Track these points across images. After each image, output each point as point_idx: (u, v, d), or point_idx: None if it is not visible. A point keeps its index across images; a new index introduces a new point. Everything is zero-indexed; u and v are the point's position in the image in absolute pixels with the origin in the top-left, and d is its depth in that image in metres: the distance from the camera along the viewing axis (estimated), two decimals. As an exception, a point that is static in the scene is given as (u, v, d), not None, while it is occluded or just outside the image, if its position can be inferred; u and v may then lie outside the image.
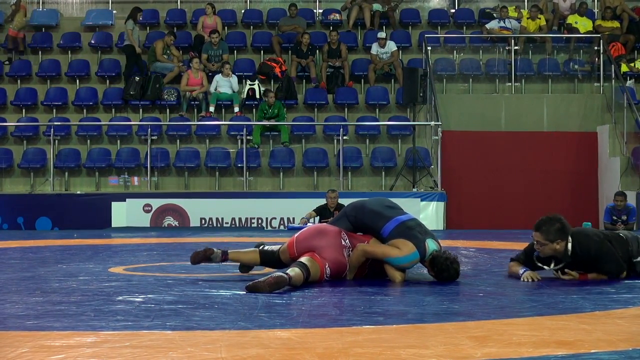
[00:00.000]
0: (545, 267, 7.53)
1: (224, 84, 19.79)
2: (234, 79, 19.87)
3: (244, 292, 6.44)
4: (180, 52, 20.88)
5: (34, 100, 20.25)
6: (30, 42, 21.71)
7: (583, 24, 21.20)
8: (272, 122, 18.90)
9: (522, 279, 7.45)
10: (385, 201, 7.66)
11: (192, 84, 19.80)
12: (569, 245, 7.39)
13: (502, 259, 9.08)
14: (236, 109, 19.63)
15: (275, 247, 7.57)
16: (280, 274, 6.66)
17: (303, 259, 7.00)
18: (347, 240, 7.24)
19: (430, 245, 7.25)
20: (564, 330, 4.89)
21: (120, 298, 6.23)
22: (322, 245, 7.14)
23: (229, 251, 7.50)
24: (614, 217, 15.86)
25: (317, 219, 15.32)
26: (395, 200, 7.83)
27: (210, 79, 19.97)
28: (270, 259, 7.33)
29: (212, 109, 19.58)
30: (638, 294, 6.52)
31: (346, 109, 20.07)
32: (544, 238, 7.34)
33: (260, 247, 7.73)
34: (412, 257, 7.20)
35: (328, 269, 7.06)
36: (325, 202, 15.43)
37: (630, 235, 7.81)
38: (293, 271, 6.76)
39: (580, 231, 7.60)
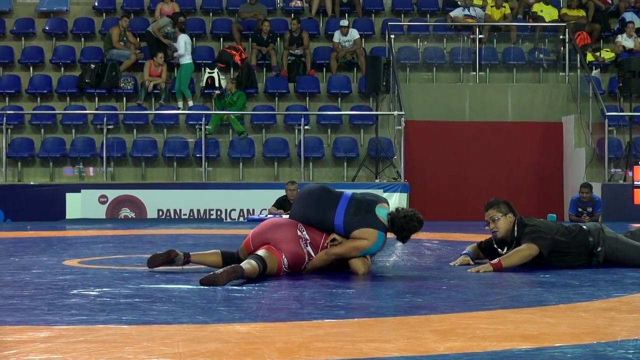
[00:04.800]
0: (499, 249, 7.81)
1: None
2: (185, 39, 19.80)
3: (202, 286, 6.41)
4: (138, 39, 20.79)
5: (-14, 88, 20.09)
6: (-18, 28, 21.54)
7: (548, 13, 21.33)
8: (236, 112, 18.85)
9: (452, 263, 7.98)
10: (313, 193, 7.41)
11: (151, 74, 19.72)
12: (516, 227, 7.74)
13: (465, 252, 9.11)
14: (190, 103, 19.55)
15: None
16: (236, 264, 6.67)
17: (259, 252, 7.00)
18: (305, 232, 7.22)
19: (382, 213, 7.24)
20: (528, 324, 4.91)
21: (74, 292, 6.19)
22: (277, 238, 7.12)
23: (191, 253, 7.48)
24: (580, 209, 15.98)
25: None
26: (360, 191, 7.77)
27: (171, 67, 19.93)
28: (231, 260, 7.31)
29: (190, 103, 19.54)
30: (602, 288, 6.57)
31: (307, 98, 20.08)
32: (497, 211, 7.75)
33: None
34: (380, 238, 7.18)
35: (285, 259, 7.06)
36: (285, 194, 15.43)
37: (592, 226, 7.98)
38: (248, 263, 6.75)
39: (529, 218, 7.88)
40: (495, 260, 7.53)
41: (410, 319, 5.14)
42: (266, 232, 7.22)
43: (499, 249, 7.83)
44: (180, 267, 7.40)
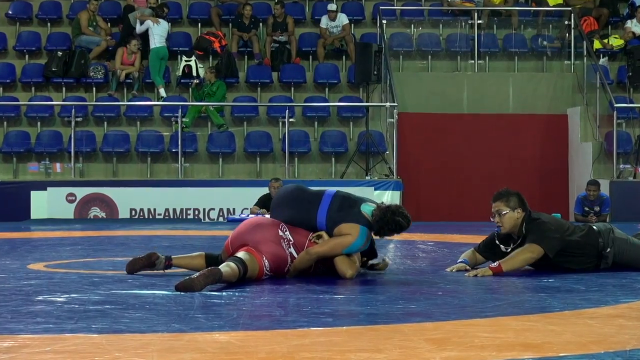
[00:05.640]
0: (502, 246, 7.79)
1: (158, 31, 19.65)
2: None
3: (178, 291, 6.41)
4: (108, 24, 20.75)
5: (-56, 77, 20.04)
6: (-61, 13, 21.47)
7: (553, -4, 21.37)
8: (215, 104, 18.83)
9: (448, 269, 7.88)
10: (291, 194, 7.50)
11: (124, 63, 19.68)
12: (524, 224, 7.69)
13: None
14: (162, 93, 19.45)
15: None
16: (213, 267, 6.67)
17: (239, 254, 7.00)
18: (287, 233, 7.22)
19: (367, 210, 7.26)
20: (531, 332, 4.93)
21: (40, 298, 6.19)
22: (256, 239, 7.13)
23: (173, 257, 7.50)
24: (586, 208, 15.97)
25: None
26: (347, 189, 7.79)
27: (145, 55, 19.90)
28: (216, 263, 7.32)
29: (162, 92, 19.45)
30: (610, 293, 6.59)
31: (292, 89, 20.08)
32: (505, 204, 7.68)
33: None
34: (363, 233, 7.19)
35: (266, 262, 7.06)
36: (268, 192, 15.42)
37: (602, 226, 7.99)
38: (227, 266, 6.76)
39: (539, 214, 7.85)
40: (495, 264, 7.52)
41: (403, 326, 5.15)
42: (245, 233, 7.22)
43: (502, 246, 7.79)
44: (162, 272, 7.40)
